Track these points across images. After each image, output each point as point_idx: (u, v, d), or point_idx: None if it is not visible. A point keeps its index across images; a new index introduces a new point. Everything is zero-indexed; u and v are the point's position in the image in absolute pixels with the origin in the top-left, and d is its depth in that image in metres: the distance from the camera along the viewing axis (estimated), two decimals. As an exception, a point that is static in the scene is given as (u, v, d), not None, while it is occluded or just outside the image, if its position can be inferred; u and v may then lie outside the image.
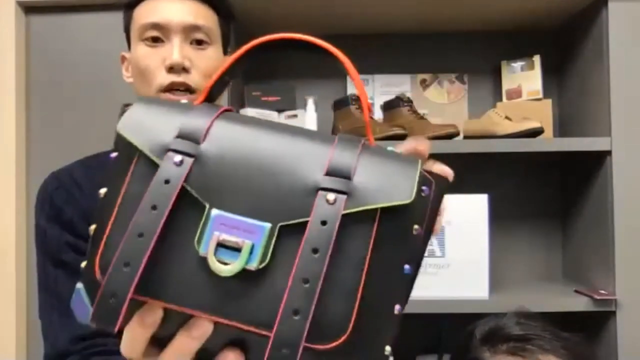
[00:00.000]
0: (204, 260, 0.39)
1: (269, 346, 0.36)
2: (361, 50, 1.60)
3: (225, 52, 0.92)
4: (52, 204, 0.84)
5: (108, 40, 1.47)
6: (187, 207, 0.40)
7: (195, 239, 0.39)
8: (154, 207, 0.39)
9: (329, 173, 0.40)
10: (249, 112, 1.43)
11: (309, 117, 1.45)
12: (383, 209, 0.40)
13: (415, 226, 0.41)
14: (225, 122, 0.43)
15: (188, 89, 0.83)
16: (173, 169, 0.40)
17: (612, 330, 1.25)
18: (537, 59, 1.51)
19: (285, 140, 0.42)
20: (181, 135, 0.41)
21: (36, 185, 1.48)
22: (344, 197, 0.39)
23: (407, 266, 0.41)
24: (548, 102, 1.49)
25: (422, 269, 1.40)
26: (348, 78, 1.59)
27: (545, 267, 1.58)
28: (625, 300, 1.24)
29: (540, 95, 1.50)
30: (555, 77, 1.59)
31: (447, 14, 1.45)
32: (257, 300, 0.38)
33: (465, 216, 1.27)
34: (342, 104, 1.44)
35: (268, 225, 0.39)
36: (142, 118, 0.42)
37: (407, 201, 0.40)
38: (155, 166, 0.41)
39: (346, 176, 0.40)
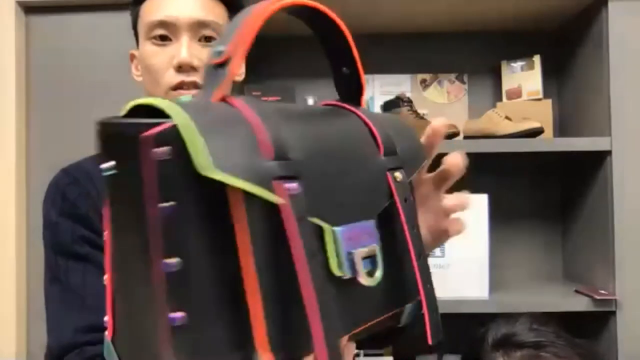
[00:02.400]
0: (344, 281, 0.36)
1: (427, 315, 0.42)
2: (361, 50, 1.59)
3: None
4: (65, 198, 0.82)
5: (108, 40, 1.47)
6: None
7: (334, 265, 0.35)
8: (312, 255, 0.33)
9: (386, 153, 0.43)
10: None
11: (309, 117, 1.44)
12: None
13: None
14: (285, 121, 0.37)
15: (197, 88, 0.81)
16: (294, 203, 0.33)
17: (612, 330, 1.25)
18: (537, 59, 1.51)
19: (344, 126, 0.41)
20: (277, 155, 0.33)
21: (36, 185, 1.48)
22: (403, 171, 0.43)
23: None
24: (548, 102, 1.49)
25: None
26: (348, 78, 1.59)
27: (545, 267, 1.58)
28: (625, 300, 1.24)
29: (540, 95, 1.50)
30: (555, 77, 1.59)
31: (447, 14, 1.45)
32: (386, 288, 0.41)
33: (465, 216, 1.27)
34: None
35: (373, 221, 0.39)
36: (215, 139, 0.31)
37: (426, 161, 0.45)
38: (265, 202, 0.32)
39: (395, 151, 0.44)
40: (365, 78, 1.72)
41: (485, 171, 1.57)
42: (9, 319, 1.41)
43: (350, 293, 0.37)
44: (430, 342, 0.42)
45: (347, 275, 0.36)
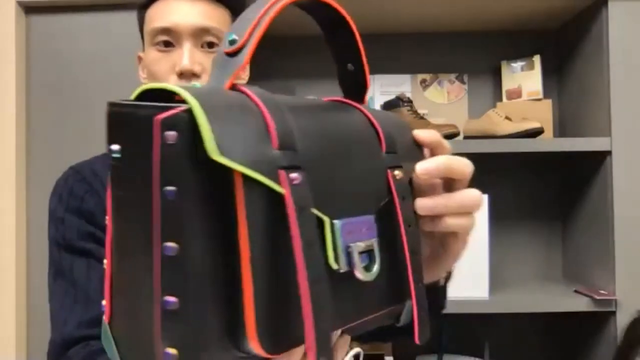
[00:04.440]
0: (341, 275, 0.37)
1: (416, 313, 0.42)
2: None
3: None
4: (73, 194, 0.84)
5: (108, 40, 1.47)
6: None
7: (331, 258, 0.36)
8: (309, 245, 0.33)
9: (387, 150, 0.44)
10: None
11: (309, 117, 1.44)
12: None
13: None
14: (290, 112, 0.37)
15: None
16: (297, 193, 0.33)
17: (612, 330, 1.25)
18: (537, 59, 1.51)
19: (349, 119, 0.42)
20: (282, 145, 0.34)
21: (36, 185, 1.48)
22: (402, 169, 0.44)
23: None
24: (548, 102, 1.49)
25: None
26: (348, 78, 1.59)
27: (545, 267, 1.58)
28: (625, 300, 1.24)
29: (540, 96, 1.50)
30: (555, 77, 1.59)
31: (447, 14, 1.45)
32: (381, 285, 0.41)
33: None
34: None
35: (372, 216, 0.40)
36: (224, 127, 0.31)
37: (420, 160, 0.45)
38: (268, 191, 0.32)
39: (395, 150, 0.44)
40: (365, 78, 1.71)
41: (485, 171, 1.57)
42: (9, 319, 1.41)
43: (346, 287, 0.38)
44: (417, 341, 0.42)
45: (344, 268, 0.36)
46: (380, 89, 1.58)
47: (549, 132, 1.46)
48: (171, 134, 0.30)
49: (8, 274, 1.42)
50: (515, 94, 1.53)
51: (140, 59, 0.94)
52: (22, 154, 1.48)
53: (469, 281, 1.27)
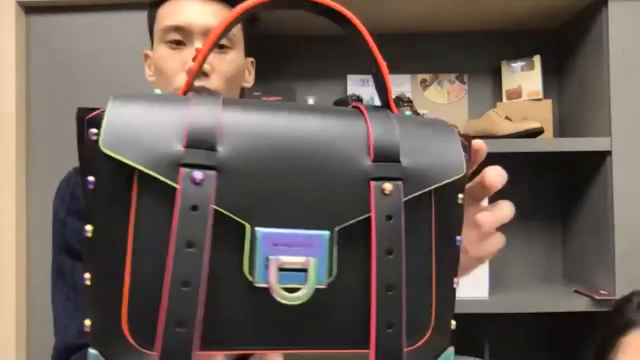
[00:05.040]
0: (261, 290, 0.33)
1: None
2: (361, 50, 1.60)
3: (246, 56, 0.91)
4: (74, 197, 0.84)
5: (108, 40, 1.47)
6: (222, 233, 0.33)
7: (245, 268, 0.33)
8: (189, 245, 0.32)
9: (377, 159, 0.36)
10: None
11: (309, 117, 1.44)
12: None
13: (460, 195, 0.39)
14: (233, 113, 0.35)
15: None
16: (196, 191, 0.32)
17: (612, 330, 1.25)
18: (537, 59, 1.51)
19: (315, 122, 0.36)
20: (191, 143, 0.33)
21: (36, 185, 1.48)
22: (400, 184, 0.35)
23: (458, 237, 0.39)
24: (548, 102, 1.49)
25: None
26: (348, 78, 1.59)
27: (545, 267, 1.58)
28: (625, 300, 1.24)
29: (540, 96, 1.50)
30: (555, 77, 1.59)
31: (447, 14, 1.45)
32: (337, 318, 0.34)
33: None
34: (342, 104, 1.44)
35: (327, 232, 0.34)
36: (128, 124, 0.33)
37: (461, 175, 0.38)
38: (166, 188, 0.33)
39: (395, 159, 0.36)
40: (365, 78, 1.73)
41: (485, 171, 1.57)
42: (9, 319, 1.42)
43: (278, 308, 0.34)
44: None
45: (260, 283, 0.33)
46: (380, 89, 1.58)
47: (549, 132, 1.46)
48: (93, 131, 0.34)
49: (8, 274, 1.42)
50: (515, 94, 1.53)
51: (147, 56, 0.94)
52: (22, 154, 1.48)
53: (469, 281, 1.27)
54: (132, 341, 0.32)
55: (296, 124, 0.36)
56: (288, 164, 0.34)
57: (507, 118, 1.37)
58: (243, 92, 0.85)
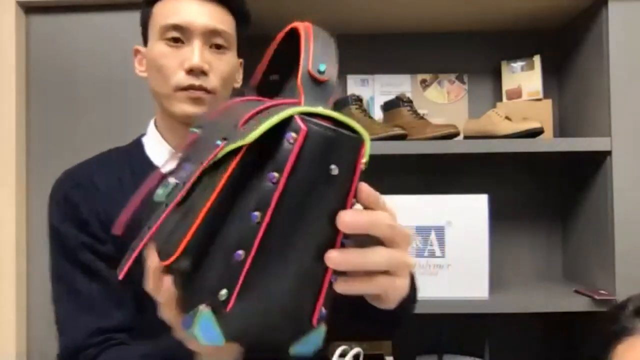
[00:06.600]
0: None
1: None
2: (361, 50, 1.60)
3: (238, 57, 0.93)
4: (68, 202, 0.85)
5: (108, 40, 1.47)
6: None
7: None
8: None
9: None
10: (249, 112, 1.42)
11: (309, 117, 1.44)
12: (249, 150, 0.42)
13: (273, 173, 0.41)
14: None
15: (205, 91, 0.84)
16: None
17: (612, 330, 1.25)
18: (537, 59, 1.51)
19: None
20: None
21: (36, 185, 1.48)
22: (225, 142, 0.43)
23: (254, 213, 0.41)
24: (548, 102, 1.49)
25: (422, 270, 1.38)
26: (348, 78, 1.59)
27: (545, 267, 1.58)
28: (625, 300, 1.24)
29: (540, 96, 1.50)
30: (555, 77, 1.59)
31: (447, 14, 1.45)
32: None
33: (465, 216, 1.27)
34: (342, 104, 1.44)
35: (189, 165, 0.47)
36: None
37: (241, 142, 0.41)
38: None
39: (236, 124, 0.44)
40: (365, 78, 1.74)
41: (485, 171, 1.57)
42: (9, 319, 1.42)
43: None
44: None
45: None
46: (381, 89, 1.58)
47: (549, 132, 1.46)
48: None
49: (8, 274, 1.42)
50: (515, 94, 1.53)
51: (137, 52, 0.95)
52: (22, 154, 1.48)
53: (469, 281, 1.27)
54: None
55: None
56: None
57: (507, 118, 1.37)
58: (234, 92, 0.87)
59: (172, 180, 0.47)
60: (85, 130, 1.47)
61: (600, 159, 1.32)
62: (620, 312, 0.92)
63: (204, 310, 0.42)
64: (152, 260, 0.46)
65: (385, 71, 1.59)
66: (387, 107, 1.45)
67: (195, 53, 0.83)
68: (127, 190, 0.82)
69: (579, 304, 1.26)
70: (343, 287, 0.44)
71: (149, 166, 0.88)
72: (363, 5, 1.37)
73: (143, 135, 0.96)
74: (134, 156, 0.91)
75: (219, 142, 0.43)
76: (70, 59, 1.50)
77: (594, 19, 1.35)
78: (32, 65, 1.51)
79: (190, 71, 0.83)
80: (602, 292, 1.27)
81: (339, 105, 1.45)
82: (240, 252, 0.41)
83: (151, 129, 0.94)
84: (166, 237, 0.44)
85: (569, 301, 1.27)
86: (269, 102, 0.45)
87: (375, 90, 1.59)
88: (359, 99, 1.44)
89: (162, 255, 0.45)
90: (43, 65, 1.50)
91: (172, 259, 0.43)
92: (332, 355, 0.90)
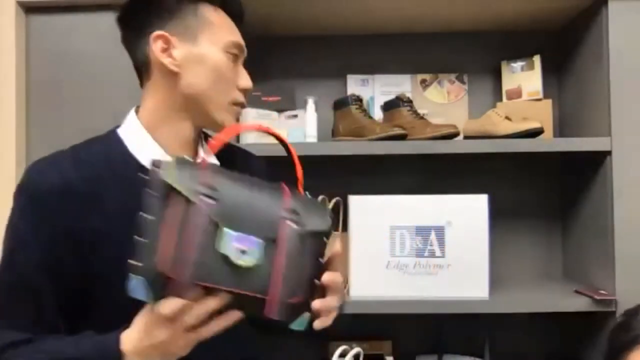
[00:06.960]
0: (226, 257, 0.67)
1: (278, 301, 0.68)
2: (361, 50, 1.60)
3: None
4: (38, 208, 0.79)
5: (108, 40, 1.47)
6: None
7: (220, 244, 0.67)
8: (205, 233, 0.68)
9: (287, 209, 0.71)
10: (250, 112, 1.43)
11: (309, 117, 1.44)
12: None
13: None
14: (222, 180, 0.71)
15: (244, 107, 0.92)
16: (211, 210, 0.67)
17: (612, 330, 1.25)
18: (537, 59, 1.51)
19: (259, 186, 0.72)
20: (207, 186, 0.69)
21: (36, 185, 1.48)
22: (297, 224, 0.71)
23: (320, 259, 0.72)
24: (548, 102, 1.49)
25: (422, 269, 1.38)
26: (348, 78, 1.59)
27: (545, 267, 1.58)
28: (625, 300, 1.24)
29: (540, 96, 1.50)
30: (555, 77, 1.59)
31: (447, 14, 1.45)
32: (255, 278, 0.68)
33: (465, 216, 1.27)
34: (342, 104, 1.44)
35: (261, 240, 0.69)
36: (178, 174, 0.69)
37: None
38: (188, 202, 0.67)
39: (296, 212, 0.71)
40: (365, 78, 1.73)
41: (485, 171, 1.57)
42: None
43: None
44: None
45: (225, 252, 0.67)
46: (381, 89, 1.58)
47: (549, 132, 1.46)
48: None
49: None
50: (515, 94, 1.53)
51: (166, 40, 0.83)
52: (22, 153, 1.48)
53: (469, 281, 1.27)
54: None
55: (254, 186, 0.72)
56: (244, 205, 0.71)
57: (507, 118, 1.37)
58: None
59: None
60: (85, 130, 1.47)
61: (600, 159, 1.32)
62: (631, 321, 0.91)
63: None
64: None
65: (385, 71, 1.59)
66: (387, 107, 1.45)
67: (246, 76, 0.89)
68: (107, 192, 0.79)
69: (579, 304, 1.26)
70: (321, 325, 0.73)
71: (135, 165, 0.82)
72: (363, 5, 1.37)
73: (117, 127, 0.89)
74: (113, 152, 0.85)
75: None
76: (70, 59, 1.50)
77: (594, 19, 1.35)
78: (32, 64, 1.51)
79: (245, 91, 0.89)
80: (602, 292, 1.27)
81: (340, 105, 1.45)
82: None
83: (133, 123, 0.86)
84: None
85: (569, 301, 1.27)
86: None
87: (375, 90, 1.59)
88: (359, 99, 1.44)
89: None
90: (42, 65, 1.50)
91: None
92: (332, 355, 0.90)
